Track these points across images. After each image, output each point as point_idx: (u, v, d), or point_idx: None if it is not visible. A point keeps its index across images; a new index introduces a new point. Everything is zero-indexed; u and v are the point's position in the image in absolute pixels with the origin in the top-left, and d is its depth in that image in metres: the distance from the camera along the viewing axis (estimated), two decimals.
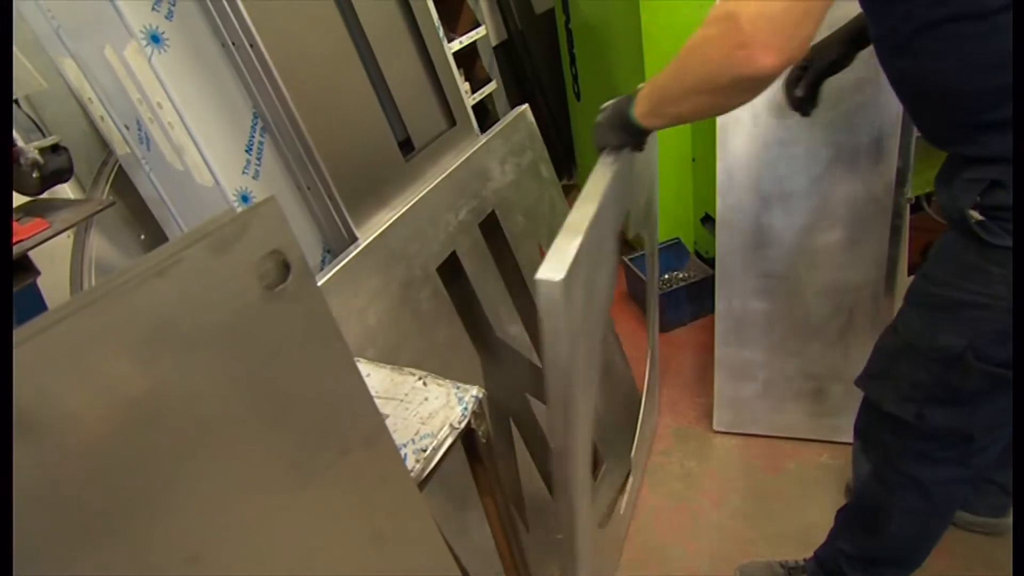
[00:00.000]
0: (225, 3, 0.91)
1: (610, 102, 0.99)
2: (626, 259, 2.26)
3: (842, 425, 1.57)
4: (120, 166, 1.20)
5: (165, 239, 1.21)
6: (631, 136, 0.95)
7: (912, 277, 0.98)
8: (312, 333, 0.52)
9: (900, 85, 0.88)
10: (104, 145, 1.20)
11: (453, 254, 1.12)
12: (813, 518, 1.48)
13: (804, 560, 1.31)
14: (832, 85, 1.09)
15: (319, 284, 0.88)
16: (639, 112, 0.90)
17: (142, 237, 1.25)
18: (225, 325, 0.45)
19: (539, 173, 1.42)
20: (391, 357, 0.95)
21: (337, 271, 0.93)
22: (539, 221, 1.40)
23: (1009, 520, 1.36)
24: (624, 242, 2.57)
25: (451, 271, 1.12)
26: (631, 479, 1.52)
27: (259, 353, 0.48)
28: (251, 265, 0.47)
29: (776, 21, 0.67)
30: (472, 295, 1.16)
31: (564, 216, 1.49)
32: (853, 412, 1.56)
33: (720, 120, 1.41)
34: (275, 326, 0.49)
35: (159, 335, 0.42)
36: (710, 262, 2.17)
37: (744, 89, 0.75)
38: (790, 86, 1.07)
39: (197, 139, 0.97)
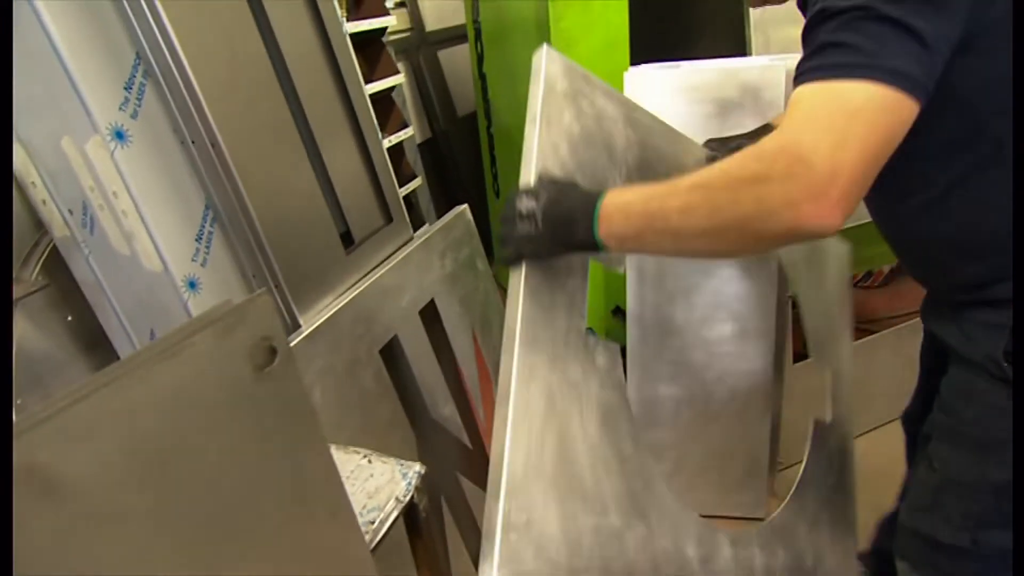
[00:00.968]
0: (190, 105, 1.00)
1: (530, 198, 0.76)
2: None
3: (745, 501, 1.72)
4: (53, 248, 1.21)
5: (96, 323, 1.22)
6: (571, 252, 0.78)
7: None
8: (292, 410, 0.59)
9: (917, 239, 0.88)
10: (37, 227, 1.22)
11: (395, 338, 1.21)
12: None
13: None
14: None
15: None
16: (609, 232, 0.70)
17: (69, 319, 1.24)
18: (225, 400, 0.52)
19: (475, 266, 1.55)
20: (333, 434, 1.00)
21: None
22: (474, 310, 1.51)
23: None
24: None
25: (392, 354, 1.20)
26: None
27: (251, 426, 0.55)
28: (247, 349, 0.55)
29: (855, 176, 0.60)
30: (411, 377, 1.24)
31: (497, 306, 1.60)
32: (753, 489, 1.72)
33: None
34: (263, 403, 0.56)
35: (175, 405, 0.48)
36: (621, 351, 2.34)
37: (786, 242, 0.67)
38: None
39: (150, 227, 1.02)
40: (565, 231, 0.73)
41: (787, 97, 1.47)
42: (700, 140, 1.53)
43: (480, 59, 2.68)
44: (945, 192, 0.80)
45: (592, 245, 0.72)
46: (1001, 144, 0.74)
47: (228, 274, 1.12)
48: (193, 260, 1.07)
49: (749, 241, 0.65)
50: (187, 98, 0.98)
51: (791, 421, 1.87)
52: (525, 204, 0.76)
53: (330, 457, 0.62)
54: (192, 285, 1.06)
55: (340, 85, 1.31)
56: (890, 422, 1.67)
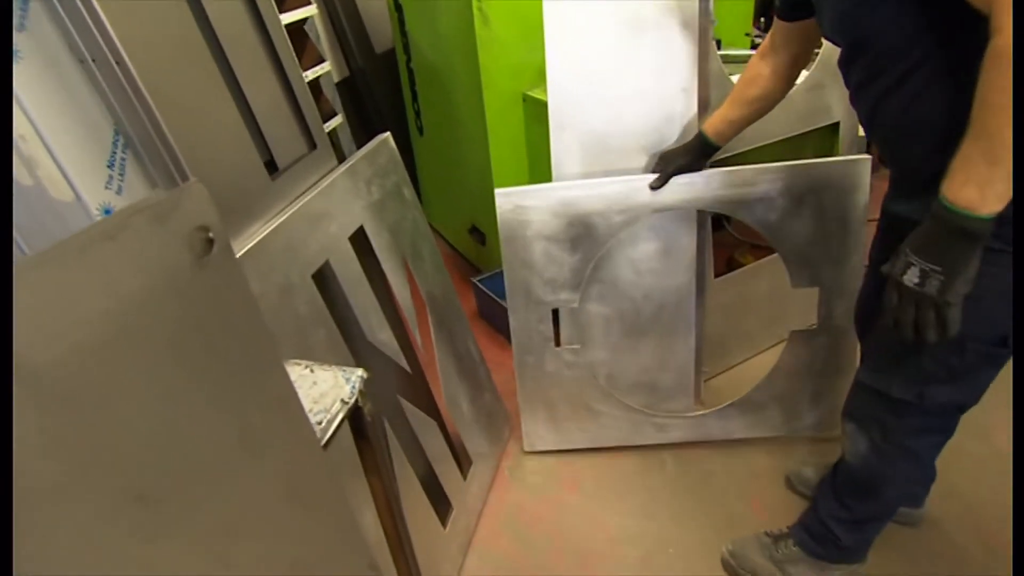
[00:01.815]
0: (88, 18, 0.94)
1: (902, 267, 0.89)
2: (475, 280, 2.44)
3: (675, 408, 1.84)
4: None
5: None
6: (976, 244, 0.84)
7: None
8: (233, 300, 0.61)
9: (932, 117, 0.96)
10: None
11: (327, 263, 1.21)
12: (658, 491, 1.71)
13: (788, 528, 1.47)
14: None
15: None
16: (986, 196, 0.80)
17: None
18: (165, 286, 0.53)
19: (402, 195, 1.55)
20: None
21: None
22: (403, 238, 1.52)
23: (921, 510, 1.53)
24: (471, 265, 2.76)
25: (325, 280, 1.20)
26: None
27: (191, 313, 0.56)
28: (183, 236, 0.55)
29: None
30: (345, 303, 1.25)
31: (426, 235, 1.63)
32: (682, 396, 1.85)
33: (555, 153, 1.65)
34: (203, 291, 0.57)
35: (110, 290, 0.49)
36: None
37: None
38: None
39: (55, 153, 0.97)
40: (960, 245, 0.84)
41: (703, 11, 1.54)
42: (621, 62, 1.58)
43: None
44: (900, 79, 0.96)
45: (985, 222, 0.81)
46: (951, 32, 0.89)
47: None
48: (107, 187, 1.03)
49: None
50: (83, 12, 0.93)
51: (713, 334, 2.01)
52: (909, 277, 0.89)
53: (273, 345, 0.65)
54: (108, 214, 1.03)
55: (253, 10, 1.26)
56: None
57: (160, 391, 0.54)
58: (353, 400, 0.86)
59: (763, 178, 1.57)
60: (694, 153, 1.52)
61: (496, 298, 2.27)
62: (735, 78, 1.51)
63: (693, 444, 1.84)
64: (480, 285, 2.40)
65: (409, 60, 2.74)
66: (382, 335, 1.36)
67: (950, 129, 0.86)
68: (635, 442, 1.85)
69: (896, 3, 0.93)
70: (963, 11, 0.83)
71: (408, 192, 1.59)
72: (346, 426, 0.89)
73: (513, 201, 1.65)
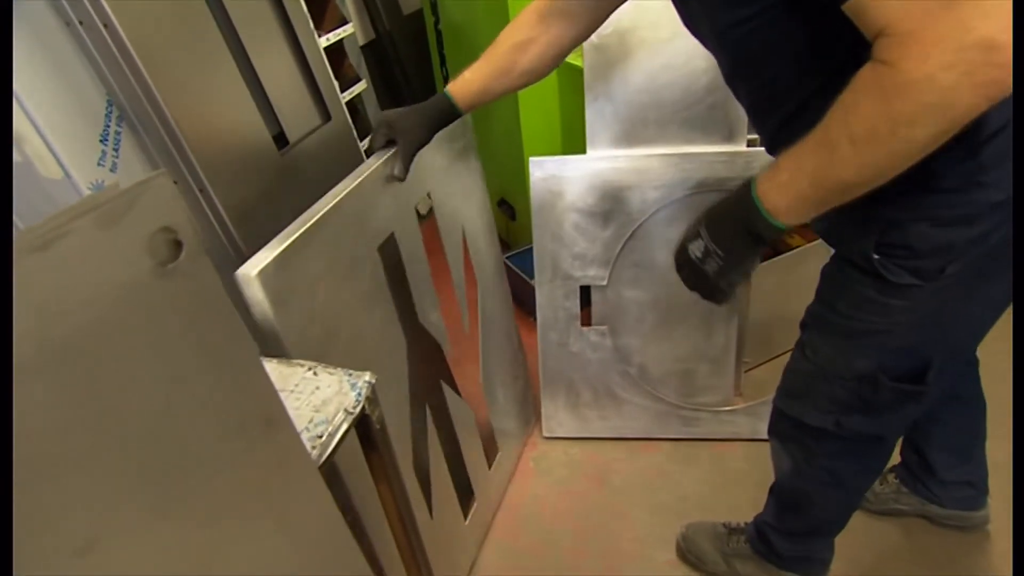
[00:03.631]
0: None
1: (694, 239, 0.83)
2: (504, 257, 2.34)
3: (711, 401, 1.74)
4: None
5: None
6: (760, 246, 0.80)
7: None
8: (206, 312, 0.52)
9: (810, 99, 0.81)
10: None
11: (391, 236, 1.13)
12: (689, 489, 1.63)
13: (745, 523, 1.42)
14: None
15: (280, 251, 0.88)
16: (779, 209, 0.74)
17: None
18: (114, 301, 0.45)
19: (469, 160, 1.46)
20: (332, 335, 0.96)
21: (290, 244, 0.90)
22: (466, 208, 1.44)
23: (981, 513, 1.44)
24: (500, 241, 2.66)
25: (388, 253, 1.12)
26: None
27: (152, 330, 0.48)
28: (141, 241, 0.47)
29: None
30: (404, 280, 1.17)
31: (485, 205, 1.55)
32: (717, 389, 1.74)
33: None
34: (167, 304, 0.49)
35: (43, 311, 0.41)
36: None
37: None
38: (388, 165, 1.11)
39: (41, 127, 0.90)
40: (745, 240, 0.78)
41: None
42: (663, 29, 1.44)
43: None
44: (802, 106, 0.82)
45: (777, 231, 0.76)
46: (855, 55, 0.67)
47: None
48: (100, 164, 0.96)
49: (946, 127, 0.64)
50: None
51: (757, 321, 1.89)
52: (694, 248, 0.84)
53: (258, 362, 0.56)
54: None
55: None
56: None
57: (113, 427, 0.46)
58: (359, 409, 0.78)
59: None
60: (433, 122, 1.16)
61: (525, 277, 2.17)
62: None
63: (728, 440, 1.74)
64: (509, 263, 2.30)
65: (437, 22, 2.61)
66: (433, 316, 1.28)
67: None
68: (660, 435, 1.76)
69: (782, 31, 0.77)
70: (857, 33, 0.67)
71: (474, 158, 1.49)
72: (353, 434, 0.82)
73: (547, 170, 1.56)
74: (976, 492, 1.43)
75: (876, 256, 0.85)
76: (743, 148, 1.50)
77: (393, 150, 1.12)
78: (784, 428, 1.15)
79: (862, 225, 0.85)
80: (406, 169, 1.11)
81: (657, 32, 1.45)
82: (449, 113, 1.17)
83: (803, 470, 1.16)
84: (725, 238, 0.80)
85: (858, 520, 1.34)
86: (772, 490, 1.29)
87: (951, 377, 1.07)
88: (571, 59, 1.97)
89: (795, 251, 1.95)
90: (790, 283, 1.95)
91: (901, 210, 0.81)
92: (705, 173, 1.51)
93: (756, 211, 0.75)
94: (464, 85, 1.18)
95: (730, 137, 1.50)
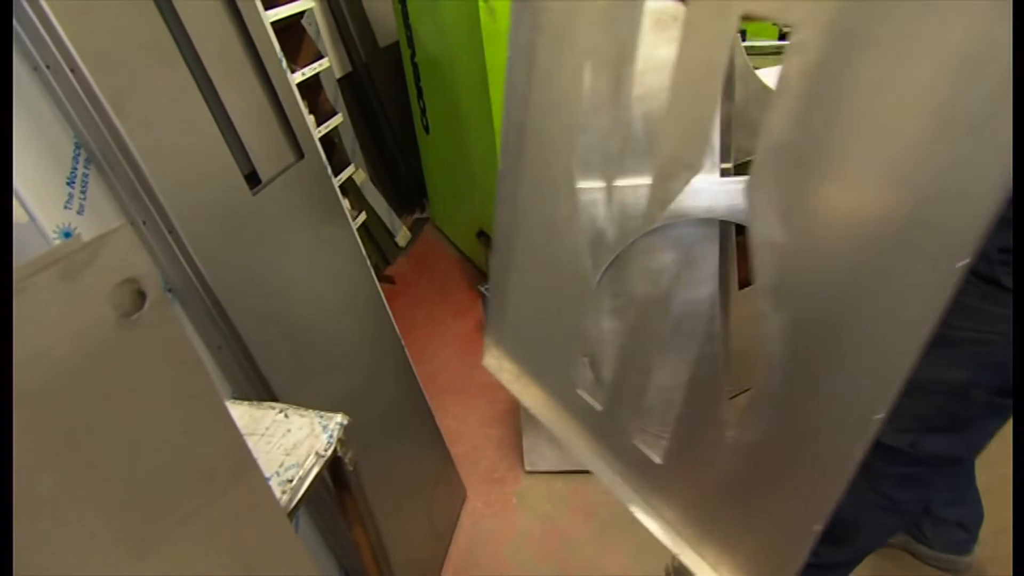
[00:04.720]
0: (38, 24, 0.87)
1: None
2: (482, 288, 2.35)
3: None
4: None
5: None
6: None
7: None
8: (170, 361, 0.53)
9: None
10: None
11: None
12: None
13: None
14: None
15: None
16: None
17: None
18: (76, 352, 0.45)
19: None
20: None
21: None
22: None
23: (967, 559, 1.42)
24: (480, 272, 2.68)
25: None
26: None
27: (115, 380, 0.48)
28: (103, 293, 0.48)
29: None
30: None
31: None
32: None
33: None
34: (130, 354, 0.49)
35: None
36: None
37: None
38: None
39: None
40: None
41: None
42: (638, 59, 1.48)
43: None
44: None
45: None
46: None
47: (112, 222, 1.01)
48: (67, 207, 0.96)
49: None
50: (32, 15, 0.86)
51: (740, 349, 1.91)
52: None
53: (224, 410, 0.57)
54: (68, 236, 0.96)
55: (232, 7, 1.18)
56: None
57: (76, 475, 0.46)
58: (330, 451, 0.78)
59: None
60: None
61: None
62: (761, 72, 1.41)
63: None
64: (488, 294, 2.31)
65: (414, 55, 2.66)
66: None
67: None
68: None
69: None
70: None
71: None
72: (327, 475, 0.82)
73: None
74: (968, 536, 1.42)
75: (999, 258, 0.81)
76: (716, 177, 1.53)
77: None
78: None
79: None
80: None
81: (630, 64, 1.49)
82: None
83: (862, 496, 1.08)
84: None
85: None
86: None
87: None
88: None
89: None
90: None
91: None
92: (683, 203, 1.54)
93: None
94: None
95: (703, 168, 1.53)
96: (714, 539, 0.92)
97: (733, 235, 1.77)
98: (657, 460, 1.05)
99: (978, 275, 0.85)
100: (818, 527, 0.78)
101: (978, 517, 1.38)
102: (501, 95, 2.11)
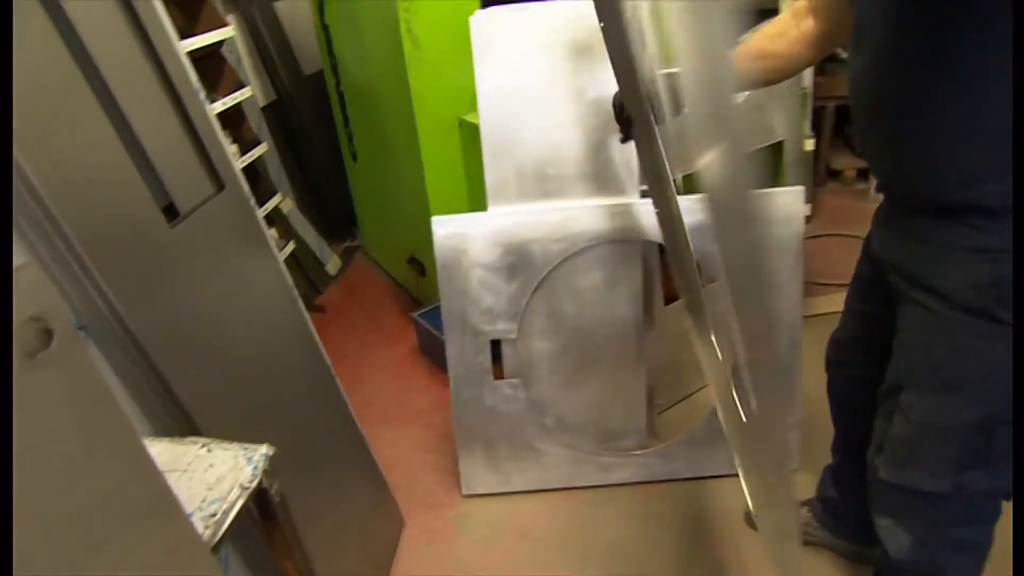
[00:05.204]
0: None
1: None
2: (415, 314, 2.36)
3: (627, 445, 1.80)
4: None
5: None
6: None
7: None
8: (80, 402, 0.53)
9: (924, 113, 0.83)
10: None
11: None
12: (611, 535, 1.66)
13: None
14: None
15: None
16: None
17: None
18: None
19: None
20: None
21: None
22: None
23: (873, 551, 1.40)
24: (412, 298, 2.68)
25: None
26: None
27: (20, 424, 0.48)
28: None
29: None
30: None
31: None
32: (632, 434, 1.81)
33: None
34: (39, 393, 0.49)
35: None
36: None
37: None
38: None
39: None
40: None
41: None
42: (556, 88, 1.55)
43: (321, 9, 2.54)
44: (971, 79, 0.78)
45: None
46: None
47: (17, 259, 0.98)
48: None
49: None
50: None
51: (668, 362, 1.98)
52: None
53: (140, 449, 0.57)
54: None
55: (142, 36, 1.18)
56: None
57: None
58: (255, 484, 0.78)
59: (698, 207, 1.56)
60: None
61: (437, 333, 2.20)
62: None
63: (646, 483, 1.80)
64: (420, 319, 2.32)
65: (339, 83, 2.67)
66: None
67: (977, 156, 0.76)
68: (579, 484, 1.80)
69: None
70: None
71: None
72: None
73: (450, 228, 1.62)
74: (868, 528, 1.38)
75: (992, 294, 0.82)
76: (636, 199, 1.61)
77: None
78: (895, 502, 1.08)
79: (972, 257, 0.82)
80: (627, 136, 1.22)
81: (551, 93, 1.55)
82: None
83: (927, 542, 1.07)
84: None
85: None
86: (892, 573, 1.17)
87: None
88: (470, 117, 2.07)
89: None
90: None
91: (1006, 232, 0.78)
92: (603, 224, 1.60)
93: None
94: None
95: (623, 191, 1.61)
96: None
97: (657, 252, 1.85)
98: None
99: (973, 313, 0.86)
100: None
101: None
102: (427, 121, 2.15)
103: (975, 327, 0.86)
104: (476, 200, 2.29)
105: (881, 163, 0.97)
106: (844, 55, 1.09)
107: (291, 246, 2.58)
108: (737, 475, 1.75)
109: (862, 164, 3.13)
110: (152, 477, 0.59)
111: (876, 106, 0.92)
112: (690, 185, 1.70)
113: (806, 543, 1.55)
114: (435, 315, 2.31)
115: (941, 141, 0.84)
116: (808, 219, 2.33)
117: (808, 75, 2.33)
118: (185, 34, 1.91)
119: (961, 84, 0.80)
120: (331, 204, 3.17)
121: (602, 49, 1.50)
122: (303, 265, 2.80)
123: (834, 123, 3.08)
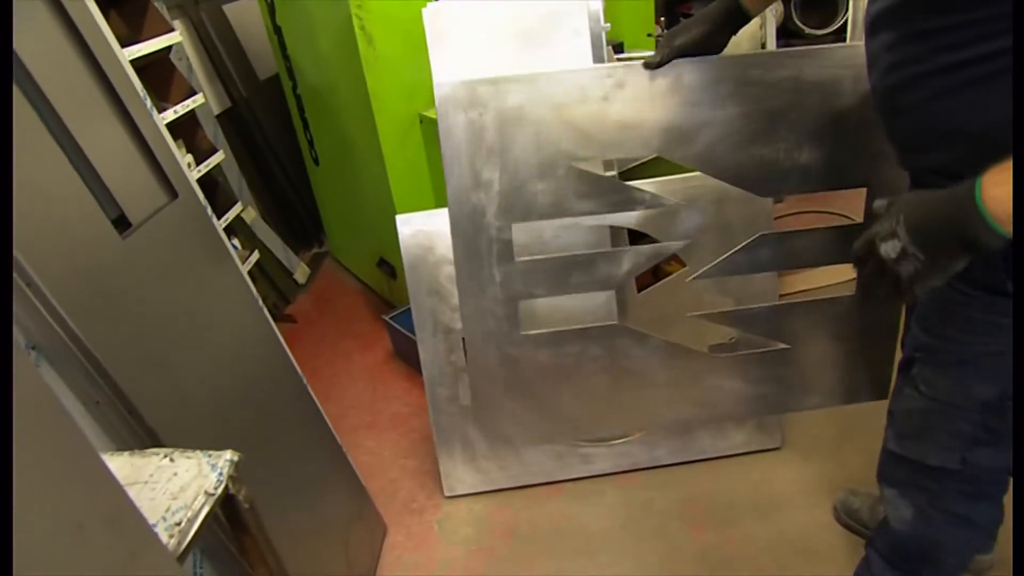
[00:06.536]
0: None
1: (887, 235, 0.76)
2: (387, 317, 2.36)
3: (605, 436, 1.82)
4: None
5: None
6: (974, 254, 0.73)
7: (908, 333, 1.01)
8: (33, 423, 0.53)
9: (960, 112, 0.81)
10: None
11: None
12: (596, 527, 1.68)
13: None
14: None
15: None
16: (1006, 212, 0.67)
17: None
18: None
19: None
20: None
21: None
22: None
23: (989, 557, 1.39)
24: (384, 301, 2.68)
25: None
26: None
27: None
28: None
29: None
30: None
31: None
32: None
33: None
34: None
35: None
36: None
37: None
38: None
39: None
40: (955, 247, 0.72)
41: (593, 16, 1.53)
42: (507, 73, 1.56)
43: (271, 9, 2.53)
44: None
45: (1003, 240, 0.69)
46: None
47: None
48: None
49: None
50: None
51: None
52: (888, 248, 0.76)
53: (97, 464, 0.57)
54: None
55: (81, 46, 1.17)
56: None
57: None
58: (221, 490, 0.78)
59: (671, 189, 1.58)
60: (718, 22, 1.16)
61: (410, 335, 2.20)
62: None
63: (628, 472, 1.82)
64: (393, 323, 2.33)
65: (295, 86, 2.66)
66: None
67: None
68: (561, 477, 1.82)
69: None
70: None
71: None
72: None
73: (415, 226, 1.62)
74: (990, 536, 1.34)
75: (1004, 267, 0.81)
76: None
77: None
78: (902, 473, 1.10)
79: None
80: (659, 61, 1.18)
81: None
82: (737, 14, 1.14)
83: (928, 515, 1.10)
84: (932, 242, 0.74)
85: None
86: (889, 543, 1.20)
87: None
88: (430, 113, 2.08)
89: (672, 277, 2.11)
90: (671, 309, 2.10)
91: None
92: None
93: (980, 218, 0.68)
94: None
95: None
96: None
97: (626, 238, 1.88)
98: None
99: (985, 288, 0.86)
100: None
101: (999, 515, 1.34)
102: (387, 120, 2.15)
103: (990, 303, 0.86)
104: (441, 196, 2.29)
105: (902, 141, 0.94)
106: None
107: (255, 256, 2.56)
108: (718, 458, 1.79)
109: None
110: (109, 491, 0.59)
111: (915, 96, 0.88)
112: (653, 170, 1.74)
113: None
114: (407, 317, 2.31)
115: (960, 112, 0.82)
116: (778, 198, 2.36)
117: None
118: (128, 42, 1.90)
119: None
120: (296, 211, 3.16)
121: (555, 32, 1.53)
122: (270, 275, 2.79)
123: None
